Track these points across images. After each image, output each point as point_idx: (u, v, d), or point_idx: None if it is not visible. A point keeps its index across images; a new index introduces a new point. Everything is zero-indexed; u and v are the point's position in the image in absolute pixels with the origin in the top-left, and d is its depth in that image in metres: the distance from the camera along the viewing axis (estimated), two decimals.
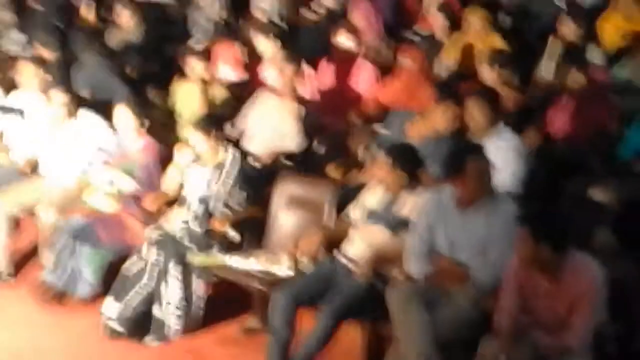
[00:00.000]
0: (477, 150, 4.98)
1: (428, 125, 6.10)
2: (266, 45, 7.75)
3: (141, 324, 5.68)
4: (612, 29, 7.68)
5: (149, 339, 5.67)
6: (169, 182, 6.17)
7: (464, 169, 4.79)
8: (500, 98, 6.05)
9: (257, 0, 8.94)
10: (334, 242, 5.40)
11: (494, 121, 5.71)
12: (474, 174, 4.79)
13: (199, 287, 5.74)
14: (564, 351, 4.27)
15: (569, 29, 7.48)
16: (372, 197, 5.39)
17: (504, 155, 5.49)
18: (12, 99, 7.27)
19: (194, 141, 5.99)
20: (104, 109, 6.80)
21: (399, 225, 5.18)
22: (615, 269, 4.44)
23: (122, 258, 5.92)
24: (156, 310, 5.69)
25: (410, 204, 5.19)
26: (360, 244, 5.23)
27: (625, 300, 4.46)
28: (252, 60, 8.04)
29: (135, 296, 5.68)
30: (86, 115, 6.75)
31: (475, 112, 5.73)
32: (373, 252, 5.10)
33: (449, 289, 4.81)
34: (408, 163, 5.24)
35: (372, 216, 5.29)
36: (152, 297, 5.69)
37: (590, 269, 4.33)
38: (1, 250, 6.47)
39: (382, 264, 5.08)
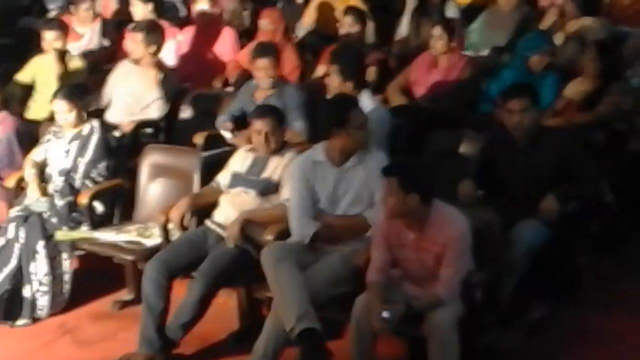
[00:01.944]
0: (355, 104, 5.01)
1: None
2: (139, 9, 7.63)
3: (11, 307, 5.53)
4: None
5: (20, 321, 5.53)
6: (32, 157, 6.02)
7: (347, 120, 4.81)
8: (361, 57, 6.09)
9: None
10: (203, 209, 5.37)
11: (356, 83, 5.73)
12: (357, 124, 4.83)
13: (66, 263, 5.62)
14: (434, 302, 4.33)
15: None
16: (240, 162, 5.37)
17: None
18: None
19: (53, 113, 5.86)
20: None
21: (267, 188, 5.19)
22: (479, 219, 4.55)
23: None
24: (26, 291, 5.54)
25: (277, 166, 5.21)
26: (230, 210, 5.21)
27: (489, 248, 4.58)
28: (116, 29, 7.92)
29: (2, 277, 5.52)
30: None
31: (334, 74, 5.74)
32: (242, 216, 5.08)
33: (326, 246, 4.84)
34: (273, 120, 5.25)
35: (240, 181, 5.28)
36: (20, 278, 5.54)
37: (455, 219, 4.42)
38: None
39: (252, 228, 5.08)
